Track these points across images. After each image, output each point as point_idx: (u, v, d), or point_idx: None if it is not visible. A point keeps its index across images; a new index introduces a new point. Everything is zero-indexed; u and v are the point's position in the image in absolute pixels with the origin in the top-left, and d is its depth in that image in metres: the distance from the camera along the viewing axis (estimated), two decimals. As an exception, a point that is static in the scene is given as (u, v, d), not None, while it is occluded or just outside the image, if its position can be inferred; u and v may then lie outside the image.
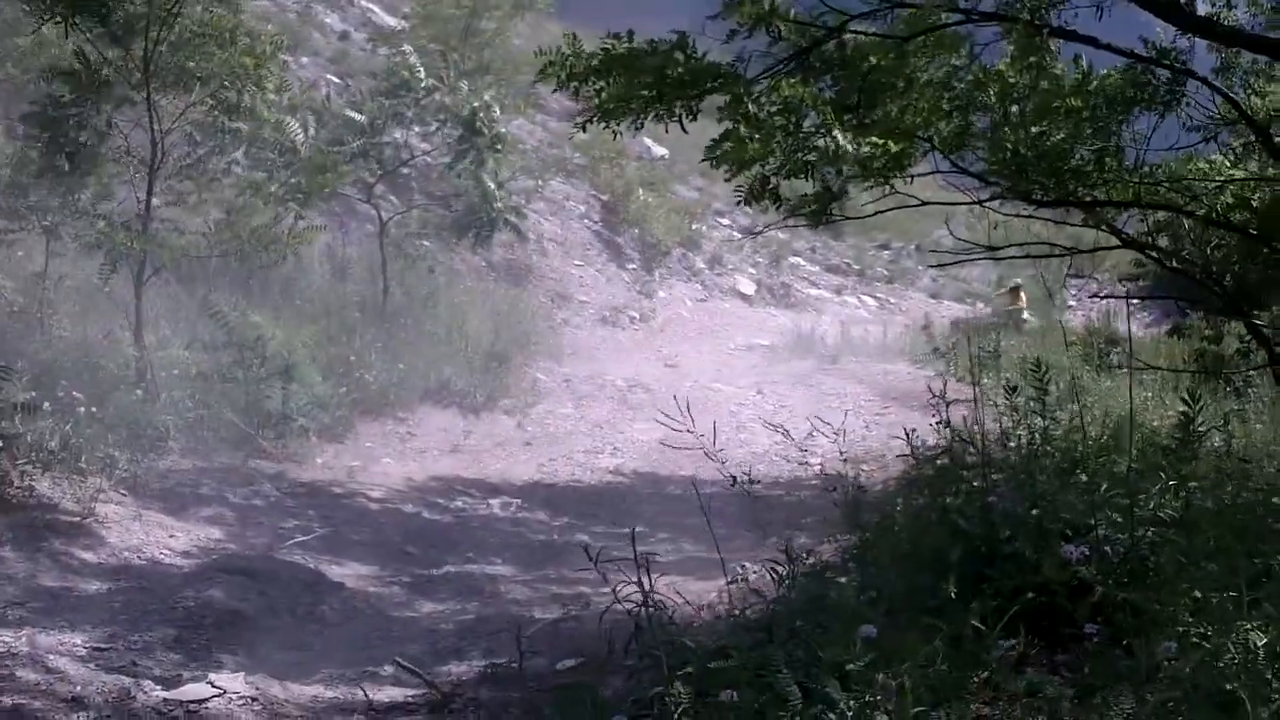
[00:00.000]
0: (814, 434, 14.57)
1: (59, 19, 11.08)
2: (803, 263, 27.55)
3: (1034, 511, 5.75)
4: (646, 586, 5.49)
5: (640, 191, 26.14)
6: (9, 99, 17.59)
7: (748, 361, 21.22)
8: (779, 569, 6.21)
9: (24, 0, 11.59)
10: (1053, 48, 8.33)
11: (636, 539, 6.87)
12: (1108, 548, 5.51)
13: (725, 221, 27.84)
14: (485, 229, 17.32)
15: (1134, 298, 13.25)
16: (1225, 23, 7.86)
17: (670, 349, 21.20)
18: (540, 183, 24.04)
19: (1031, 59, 8.29)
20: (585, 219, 25.50)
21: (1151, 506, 5.79)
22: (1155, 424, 10.29)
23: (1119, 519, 5.66)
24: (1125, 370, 12.49)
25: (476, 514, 10.97)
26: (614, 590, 5.51)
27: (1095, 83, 8.17)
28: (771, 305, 25.22)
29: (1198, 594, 5.03)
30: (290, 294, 16.12)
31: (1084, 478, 6.44)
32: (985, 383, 11.76)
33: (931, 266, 22.80)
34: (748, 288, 25.92)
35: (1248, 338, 10.97)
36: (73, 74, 11.55)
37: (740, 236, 27.09)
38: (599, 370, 18.48)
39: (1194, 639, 4.67)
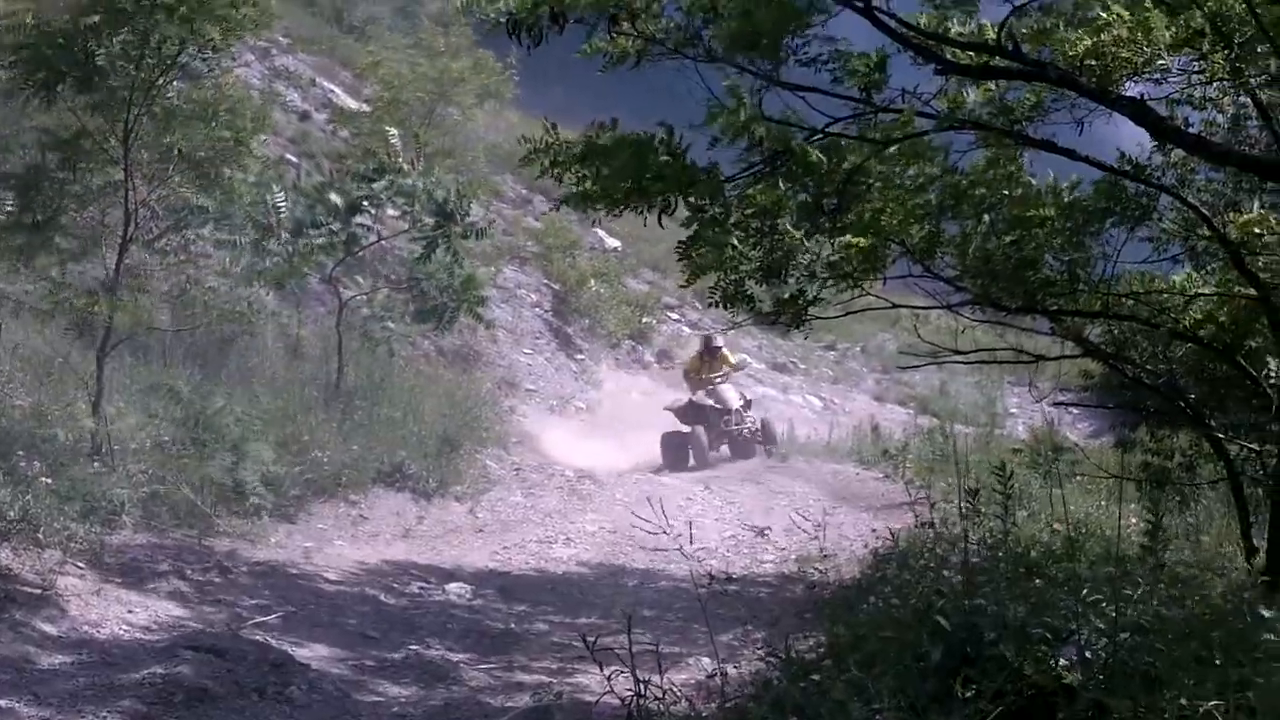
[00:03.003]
0: (765, 532, 14.75)
1: (42, 88, 11.12)
2: (749, 360, 27.72)
3: (1018, 614, 5.80)
4: (640, 677, 5.45)
5: (592, 282, 26.28)
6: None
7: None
8: (767, 663, 6.22)
9: (7, 67, 11.62)
10: (1023, 159, 8.52)
11: (594, 631, 6.89)
12: (1088, 653, 5.56)
13: (675, 316, 28.04)
14: (451, 314, 17.31)
15: (1093, 405, 13.36)
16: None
17: (618, 441, 21.22)
18: (494, 270, 24.12)
19: (1007, 168, 8.46)
20: (537, 308, 25.60)
21: (1130, 613, 5.85)
22: (1108, 533, 10.44)
23: (1100, 624, 5.71)
24: (1072, 478, 12.65)
25: (433, 600, 10.90)
26: (608, 678, 5.46)
27: (1067, 193, 8.35)
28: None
29: (1184, 701, 5.09)
30: (244, 371, 16.06)
31: (1057, 582, 6.53)
32: (937, 487, 11.93)
33: (902, 368, 22.93)
34: (696, 383, 26.07)
35: (1190, 452, 11.14)
36: (60, 142, 11.57)
37: (690, 331, 27.30)
38: (547, 459, 18.48)
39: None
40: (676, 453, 20.78)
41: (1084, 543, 8.26)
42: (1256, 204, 8.39)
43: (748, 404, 21.72)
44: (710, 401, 21.31)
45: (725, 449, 21.15)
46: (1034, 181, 8.48)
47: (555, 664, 8.95)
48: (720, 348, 22.23)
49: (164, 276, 13.52)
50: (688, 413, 21.36)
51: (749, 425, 21.29)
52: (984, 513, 7.43)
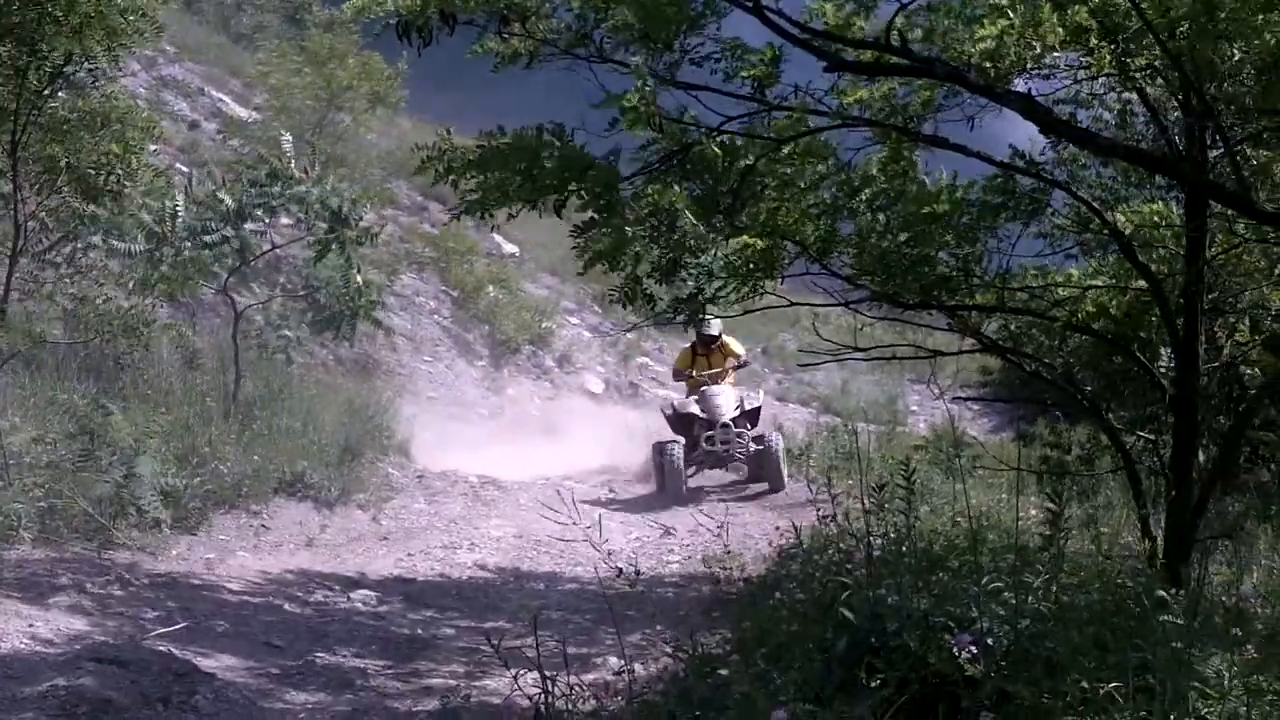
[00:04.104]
0: (671, 532, 14.81)
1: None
2: (650, 363, 27.81)
3: (921, 604, 5.87)
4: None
5: (490, 288, 26.27)
6: None
7: (598, 459, 21.29)
8: (674, 658, 6.26)
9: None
10: (917, 159, 8.62)
11: (500, 634, 6.91)
12: (990, 640, 5.64)
13: (575, 320, 28.08)
14: (348, 322, 17.30)
15: (992, 400, 13.58)
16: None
17: (520, 446, 21.19)
18: (390, 277, 24.03)
19: (900, 164, 8.56)
20: (435, 314, 25.54)
21: (1030, 601, 5.94)
22: (1008, 525, 10.60)
23: (1001, 612, 5.79)
24: (973, 473, 12.83)
25: (338, 607, 10.83)
26: (515, 677, 5.49)
27: (962, 190, 8.46)
28: (620, 404, 25.37)
29: (1085, 684, 5.19)
30: (139, 383, 15.86)
31: (959, 573, 6.62)
32: (841, 484, 12.05)
33: (802, 366, 22.41)
34: (596, 386, 26.14)
35: (1088, 444, 11.35)
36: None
37: (590, 335, 27.32)
38: (450, 466, 18.42)
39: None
40: (657, 472, 17.04)
41: (986, 535, 8.37)
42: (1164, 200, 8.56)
43: (749, 415, 17.36)
44: (695, 409, 17.22)
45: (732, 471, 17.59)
46: (928, 180, 8.59)
47: (463, 668, 8.95)
48: (718, 336, 17.60)
49: (57, 289, 13.32)
50: (676, 421, 17.55)
51: (742, 445, 17.00)
52: (887, 508, 7.51)
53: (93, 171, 12.28)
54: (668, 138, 8.07)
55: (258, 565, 12.14)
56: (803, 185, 8.69)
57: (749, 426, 17.15)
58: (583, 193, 8.22)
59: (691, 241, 8.82)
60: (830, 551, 8.30)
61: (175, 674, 7.69)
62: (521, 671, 5.78)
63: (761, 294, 9.35)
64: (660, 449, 17.00)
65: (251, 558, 12.43)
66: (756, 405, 17.58)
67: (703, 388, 17.33)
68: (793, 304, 10.08)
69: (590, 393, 25.74)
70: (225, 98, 27.90)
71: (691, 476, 17.03)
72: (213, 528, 12.86)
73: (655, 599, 11.33)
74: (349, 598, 11.17)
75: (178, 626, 9.45)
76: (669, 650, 7.52)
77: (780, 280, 9.47)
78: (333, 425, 16.70)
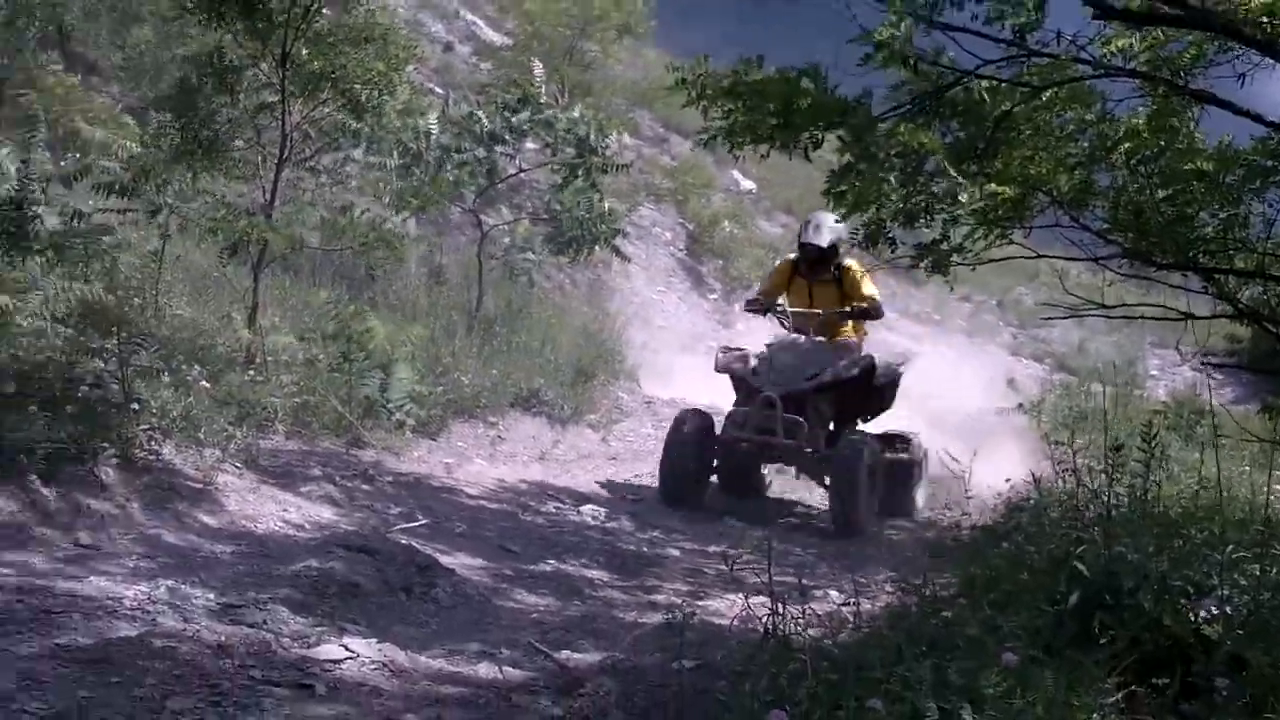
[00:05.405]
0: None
1: (208, 11, 11.45)
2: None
3: (1159, 566, 5.81)
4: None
5: (726, 223, 26.35)
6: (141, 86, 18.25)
7: (826, 398, 21.26)
8: (899, 596, 6.34)
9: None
10: (1191, 112, 8.43)
11: (728, 559, 7.06)
12: (1229, 609, 5.56)
13: (808, 260, 27.94)
14: (588, 247, 17.66)
15: (1243, 368, 13.20)
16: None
17: (748, 381, 21.23)
18: (629, 207, 24.31)
19: (1170, 120, 8.39)
20: (670, 246, 25.74)
21: (1275, 573, 5.84)
22: (1248, 497, 10.35)
23: (1244, 582, 5.71)
24: (1215, 443, 12.49)
25: (568, 520, 11.16)
26: (746, 599, 5.66)
27: (1233, 151, 8.24)
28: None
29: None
30: (388, 293, 16.51)
31: (1197, 541, 6.53)
32: (1074, 442, 11.86)
33: (1045, 319, 21.86)
34: (826, 328, 25.98)
35: (1335, 421, 10.96)
36: (210, 64, 11.88)
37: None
38: (678, 395, 18.66)
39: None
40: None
41: (1227, 505, 8.22)
42: None
43: (835, 392, 11.76)
44: (742, 366, 12.04)
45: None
46: (1199, 137, 8.39)
47: (686, 587, 9.13)
48: (832, 253, 11.89)
49: (316, 196, 13.87)
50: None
51: (793, 443, 11.39)
52: (1124, 469, 7.41)
53: (357, 86, 12.65)
54: (920, 78, 8.05)
55: (493, 473, 12.56)
56: (1060, 134, 8.58)
57: (828, 410, 11.95)
58: (839, 137, 8.26)
59: (941, 186, 8.79)
60: (1063, 507, 8.23)
61: (418, 566, 8.02)
62: (751, 594, 5.92)
63: (1006, 243, 9.28)
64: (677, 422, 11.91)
65: (487, 465, 12.86)
66: (847, 376, 11.75)
67: (780, 336, 12.26)
68: (1040, 256, 9.97)
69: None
70: (479, 21, 28.44)
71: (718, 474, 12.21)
72: (451, 435, 13.33)
73: (876, 538, 11.42)
74: (579, 511, 11.50)
75: (419, 523, 9.86)
76: (893, 589, 7.60)
77: (1028, 233, 9.39)
78: (568, 346, 17.11)
